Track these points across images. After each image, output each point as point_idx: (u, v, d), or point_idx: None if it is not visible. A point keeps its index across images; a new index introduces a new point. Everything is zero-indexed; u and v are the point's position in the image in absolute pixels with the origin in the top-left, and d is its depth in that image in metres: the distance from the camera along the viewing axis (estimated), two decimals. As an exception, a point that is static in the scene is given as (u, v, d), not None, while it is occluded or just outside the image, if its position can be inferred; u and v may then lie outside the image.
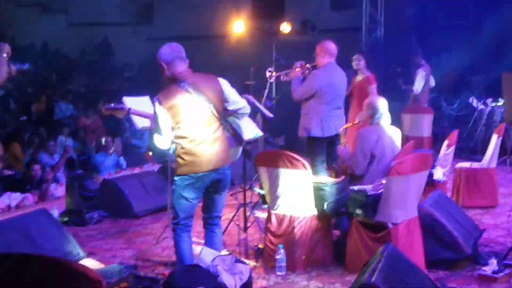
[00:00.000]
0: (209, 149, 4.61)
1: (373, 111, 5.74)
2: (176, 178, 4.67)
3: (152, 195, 7.91)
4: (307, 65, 6.79)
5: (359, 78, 8.54)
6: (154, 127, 4.66)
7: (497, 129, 7.78)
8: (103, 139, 9.96)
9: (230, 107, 4.81)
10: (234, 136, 4.83)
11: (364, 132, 5.77)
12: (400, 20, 13.72)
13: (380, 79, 12.87)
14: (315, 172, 6.38)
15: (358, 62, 8.45)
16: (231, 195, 7.81)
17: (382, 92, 11.42)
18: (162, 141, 4.65)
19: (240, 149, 5.00)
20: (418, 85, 10.16)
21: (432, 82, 10.56)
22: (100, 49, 19.09)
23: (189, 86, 4.57)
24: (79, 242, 6.02)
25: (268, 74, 7.05)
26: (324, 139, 6.61)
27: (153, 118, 4.66)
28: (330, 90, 6.57)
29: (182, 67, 4.65)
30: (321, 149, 6.66)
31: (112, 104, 5.18)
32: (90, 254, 6.01)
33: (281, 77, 6.98)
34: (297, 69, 6.78)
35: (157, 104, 4.55)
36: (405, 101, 11.15)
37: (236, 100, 4.84)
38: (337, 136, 6.57)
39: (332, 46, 6.68)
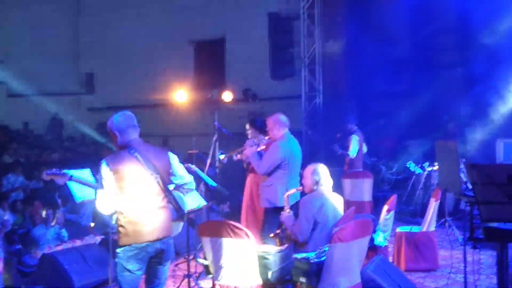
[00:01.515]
0: (153, 219, 4.58)
1: (318, 178, 5.83)
2: (118, 250, 4.59)
3: (94, 268, 7.70)
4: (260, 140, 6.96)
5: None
6: (97, 191, 4.59)
7: (434, 192, 8.01)
8: (43, 212, 9.72)
9: (176, 181, 4.84)
10: (177, 210, 4.82)
11: (308, 198, 5.84)
12: (338, 88, 14.13)
13: (320, 145, 13.20)
14: (264, 240, 6.40)
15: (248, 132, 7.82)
16: (175, 265, 7.72)
17: (322, 158, 11.66)
18: (104, 206, 4.57)
19: (181, 224, 4.99)
20: (353, 150, 10.46)
21: (364, 148, 10.88)
22: (44, 121, 18.91)
23: (139, 153, 4.59)
24: (17, 321, 5.80)
25: (222, 156, 7.16)
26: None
27: (98, 179, 4.62)
28: (292, 159, 6.75)
29: (134, 135, 4.71)
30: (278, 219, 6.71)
31: (54, 169, 5.15)
32: (28, 333, 5.80)
33: (233, 157, 7.09)
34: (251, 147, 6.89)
35: (104, 165, 4.53)
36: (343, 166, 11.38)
37: (183, 175, 4.89)
38: (297, 203, 6.61)
39: (283, 118, 6.91)
